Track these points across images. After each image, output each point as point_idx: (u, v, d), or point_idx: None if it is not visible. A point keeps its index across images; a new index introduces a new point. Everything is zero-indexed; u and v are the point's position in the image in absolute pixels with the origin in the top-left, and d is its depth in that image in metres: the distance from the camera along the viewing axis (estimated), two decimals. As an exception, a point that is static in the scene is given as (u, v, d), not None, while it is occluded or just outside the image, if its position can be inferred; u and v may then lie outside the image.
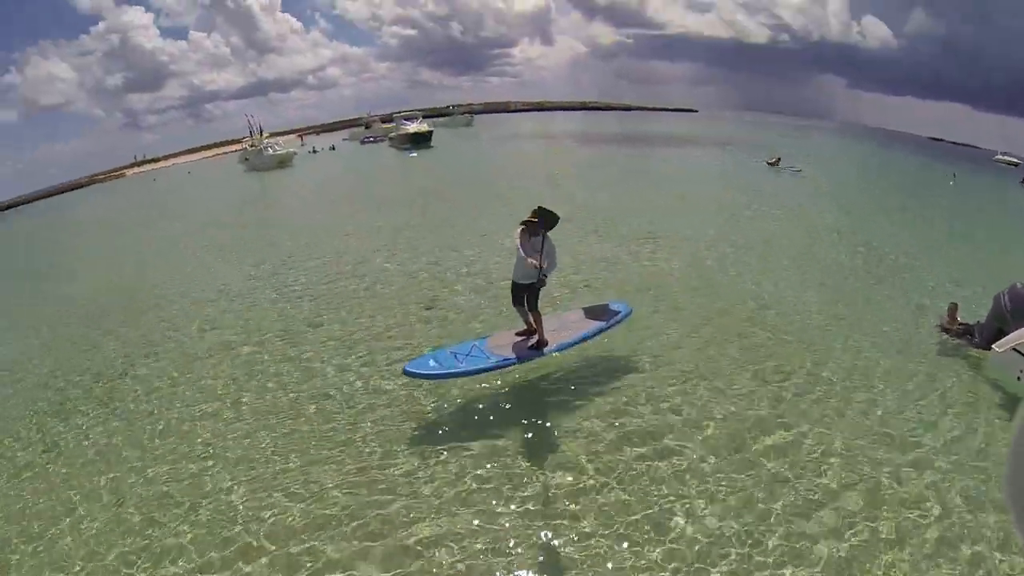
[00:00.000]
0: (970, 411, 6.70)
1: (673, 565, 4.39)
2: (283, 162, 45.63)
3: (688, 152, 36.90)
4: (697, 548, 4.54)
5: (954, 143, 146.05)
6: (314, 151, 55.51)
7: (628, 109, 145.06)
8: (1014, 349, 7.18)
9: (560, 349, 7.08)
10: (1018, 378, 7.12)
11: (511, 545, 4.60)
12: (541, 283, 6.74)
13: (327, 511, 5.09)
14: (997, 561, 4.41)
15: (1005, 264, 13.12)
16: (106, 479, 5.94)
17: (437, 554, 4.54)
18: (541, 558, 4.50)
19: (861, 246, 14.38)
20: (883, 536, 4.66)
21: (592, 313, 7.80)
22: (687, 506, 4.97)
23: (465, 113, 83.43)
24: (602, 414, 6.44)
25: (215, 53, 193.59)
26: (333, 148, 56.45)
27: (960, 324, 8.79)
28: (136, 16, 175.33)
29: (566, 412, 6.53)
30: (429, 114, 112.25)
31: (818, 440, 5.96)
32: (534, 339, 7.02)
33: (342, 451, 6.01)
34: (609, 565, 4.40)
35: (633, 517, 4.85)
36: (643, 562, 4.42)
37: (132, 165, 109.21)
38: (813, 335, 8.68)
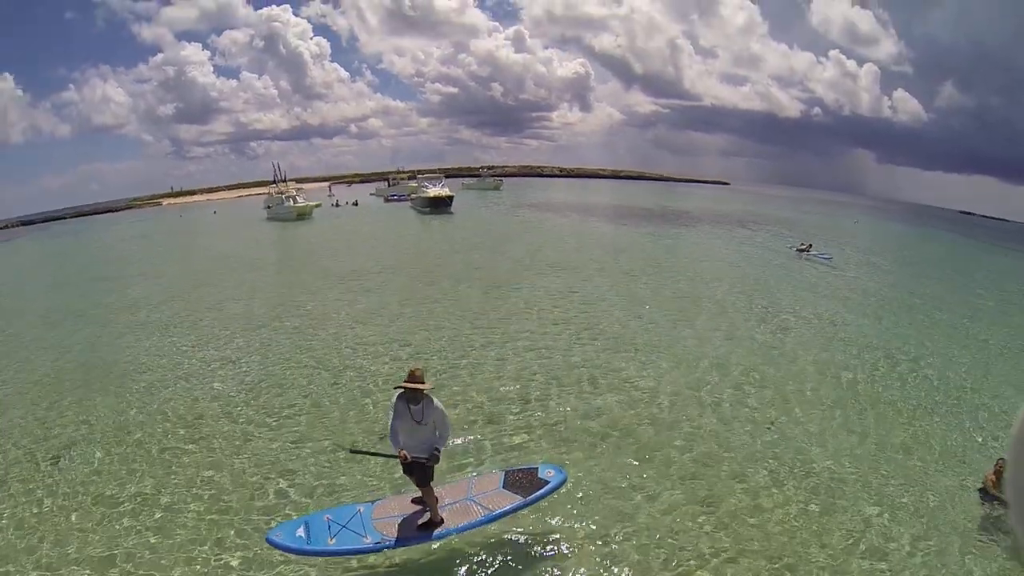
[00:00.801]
0: None
1: None
2: (302, 214, 45.80)
3: (716, 234, 34.40)
4: None
5: (984, 216, 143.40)
6: (337, 204, 55.49)
7: (661, 179, 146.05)
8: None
9: (455, 533, 5.75)
10: None
11: None
12: (433, 460, 5.52)
13: None
14: None
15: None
16: None
17: None
18: None
19: (889, 363, 12.12)
20: None
21: (513, 481, 6.18)
22: None
23: (495, 177, 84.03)
24: None
25: (263, 94, 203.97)
26: (356, 204, 56.29)
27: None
28: (194, 52, 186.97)
29: None
30: (463, 173, 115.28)
31: None
32: (427, 515, 5.72)
33: None
34: None
35: None
36: None
37: (168, 195, 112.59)
38: (828, 523, 6.03)
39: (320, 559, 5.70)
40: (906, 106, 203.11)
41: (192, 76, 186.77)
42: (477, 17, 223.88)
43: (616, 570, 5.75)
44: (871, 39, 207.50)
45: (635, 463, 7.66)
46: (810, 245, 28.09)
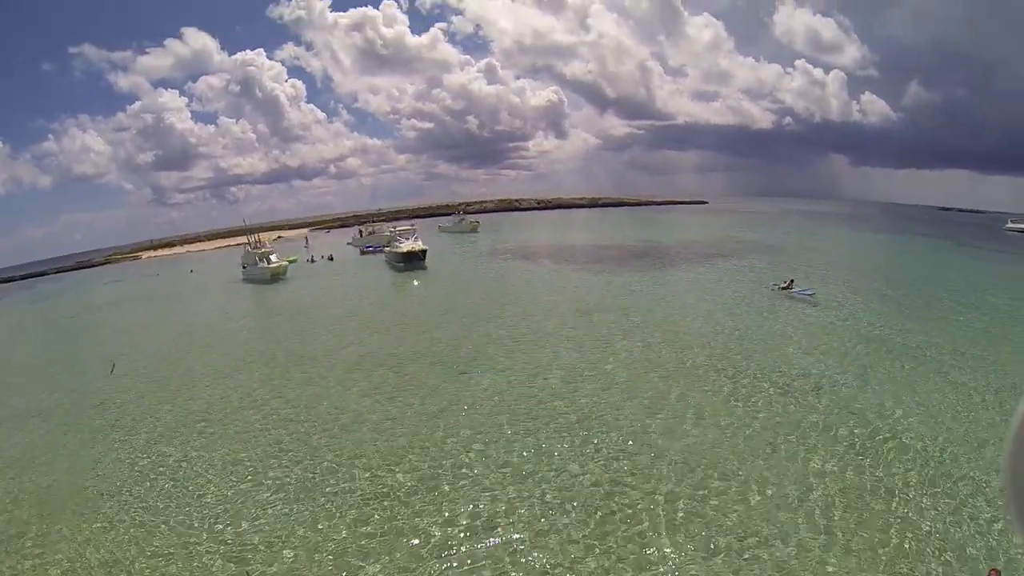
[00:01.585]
0: None
1: None
2: (276, 275, 46.10)
3: (693, 277, 34.48)
4: None
5: (961, 211, 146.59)
6: (312, 260, 55.69)
7: (639, 204, 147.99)
8: None
9: None
10: None
11: None
12: None
13: None
14: None
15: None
16: None
17: None
18: None
19: (873, 437, 11.79)
20: None
21: None
22: None
23: (472, 218, 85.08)
24: None
25: (241, 138, 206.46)
26: (331, 259, 56.52)
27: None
28: (171, 99, 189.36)
29: None
30: (440, 212, 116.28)
31: None
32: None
33: None
34: None
35: None
36: None
37: (148, 248, 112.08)
38: None
39: None
40: (874, 108, 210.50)
41: (170, 123, 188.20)
42: (448, 52, 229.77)
43: None
44: (835, 46, 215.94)
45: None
46: (791, 281, 28.19)
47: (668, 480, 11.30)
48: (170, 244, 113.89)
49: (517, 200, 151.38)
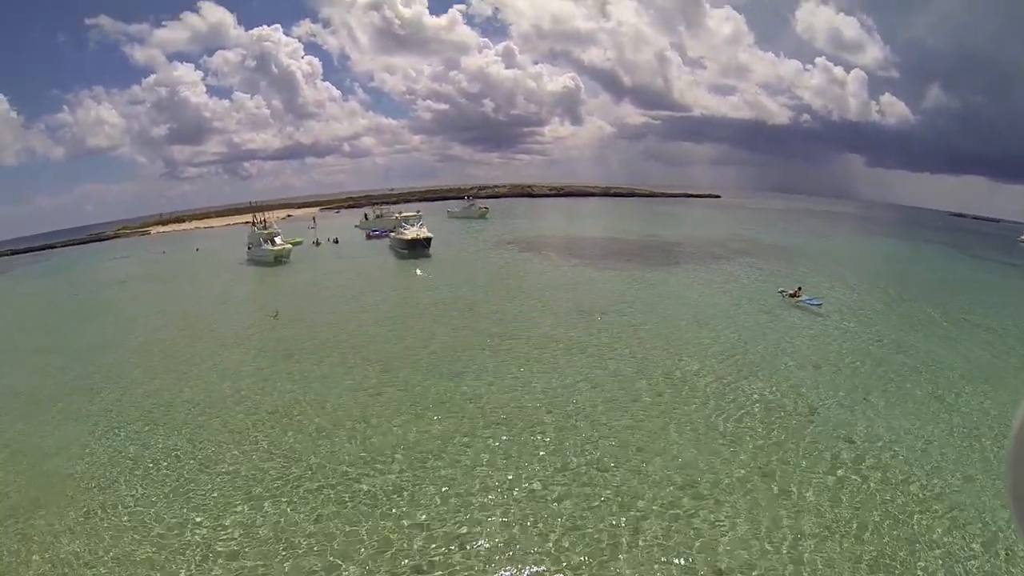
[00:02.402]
0: None
1: None
2: (279, 258, 45.92)
3: (701, 278, 33.52)
4: None
5: (976, 218, 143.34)
6: (317, 243, 55.20)
7: (652, 195, 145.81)
8: None
9: None
10: None
11: None
12: None
13: None
14: None
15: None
16: None
17: None
18: None
19: (869, 465, 11.09)
20: None
21: None
22: None
23: (481, 204, 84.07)
24: None
25: (256, 114, 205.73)
26: (336, 241, 56.06)
27: None
28: (186, 73, 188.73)
29: None
30: (451, 195, 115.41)
31: None
32: None
33: None
34: None
35: None
36: None
37: (157, 223, 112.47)
38: None
39: None
40: (893, 109, 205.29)
41: (185, 97, 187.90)
42: (467, 34, 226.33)
43: None
44: (856, 45, 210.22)
45: None
46: (799, 289, 27.36)
47: (643, 497, 10.82)
48: (180, 219, 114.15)
49: (530, 186, 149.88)
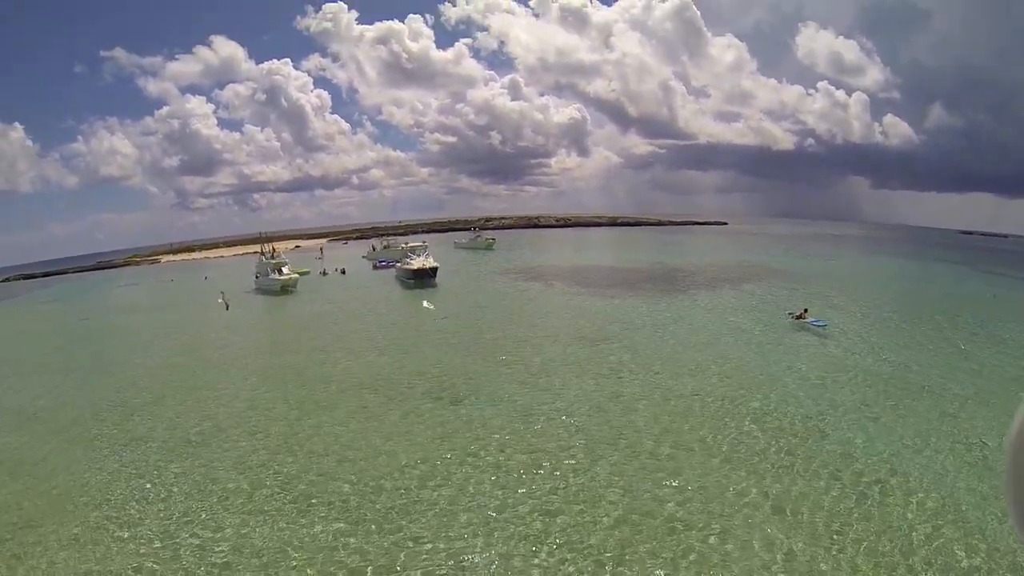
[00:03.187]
0: None
1: None
2: (286, 287, 46.15)
3: (707, 305, 33.06)
4: None
5: (984, 234, 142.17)
6: (324, 273, 55.58)
7: (659, 224, 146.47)
8: None
9: None
10: None
11: None
12: None
13: None
14: None
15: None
16: None
17: None
18: None
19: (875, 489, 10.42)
20: None
21: None
22: None
23: (488, 235, 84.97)
24: None
25: (266, 146, 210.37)
26: (343, 272, 56.39)
27: None
28: (198, 105, 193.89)
29: None
30: (458, 227, 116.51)
31: None
32: None
33: None
34: None
35: None
36: None
37: (167, 252, 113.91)
38: None
39: None
40: (896, 130, 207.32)
41: (196, 129, 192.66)
42: (473, 67, 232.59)
43: None
44: (857, 68, 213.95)
45: None
46: (805, 311, 27.35)
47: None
48: (190, 249, 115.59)
49: (537, 217, 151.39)
